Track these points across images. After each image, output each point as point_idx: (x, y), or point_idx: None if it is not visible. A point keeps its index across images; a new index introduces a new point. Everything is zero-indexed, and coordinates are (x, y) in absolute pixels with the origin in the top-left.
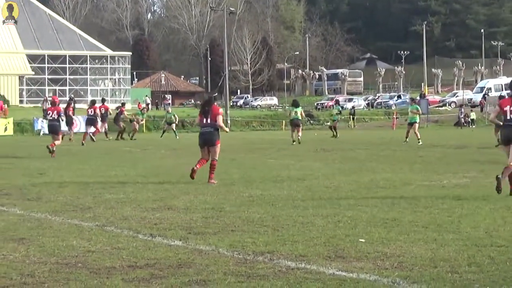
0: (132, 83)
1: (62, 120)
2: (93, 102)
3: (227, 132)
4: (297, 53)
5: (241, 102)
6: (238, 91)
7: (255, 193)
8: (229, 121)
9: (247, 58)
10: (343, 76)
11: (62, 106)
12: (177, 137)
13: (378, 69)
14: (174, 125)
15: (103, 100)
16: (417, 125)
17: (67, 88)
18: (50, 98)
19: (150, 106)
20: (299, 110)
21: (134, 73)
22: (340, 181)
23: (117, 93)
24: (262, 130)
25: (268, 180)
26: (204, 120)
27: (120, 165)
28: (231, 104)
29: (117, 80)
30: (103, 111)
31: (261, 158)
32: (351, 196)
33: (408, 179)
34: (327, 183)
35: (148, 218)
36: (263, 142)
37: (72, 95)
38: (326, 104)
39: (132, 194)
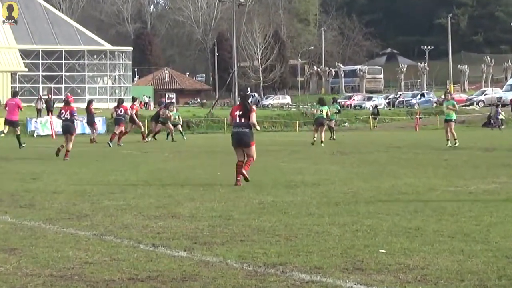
0: (133, 81)
1: (77, 120)
2: (121, 101)
3: (257, 130)
4: (312, 48)
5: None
6: (248, 89)
7: (266, 200)
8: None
9: (257, 54)
10: (361, 73)
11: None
12: (185, 138)
13: (400, 65)
14: (179, 126)
15: (121, 101)
16: (453, 124)
17: (63, 85)
18: (46, 97)
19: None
20: (325, 109)
21: (135, 69)
22: (358, 186)
23: (117, 91)
24: (274, 131)
25: (280, 186)
26: (238, 119)
27: (120, 169)
28: None
29: (117, 77)
30: (122, 112)
31: (273, 162)
32: (370, 203)
33: (433, 185)
34: (345, 188)
35: (150, 227)
36: (275, 144)
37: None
38: (343, 103)
39: (133, 200)
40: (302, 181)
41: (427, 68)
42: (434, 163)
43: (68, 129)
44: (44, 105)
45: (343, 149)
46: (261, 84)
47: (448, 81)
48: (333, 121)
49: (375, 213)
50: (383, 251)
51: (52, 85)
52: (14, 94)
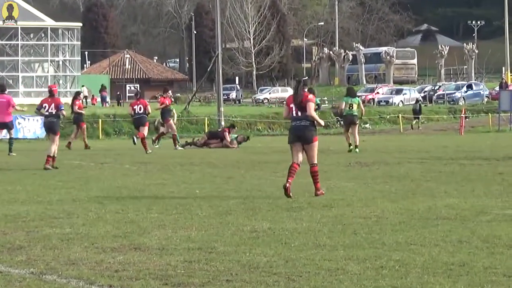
0: (82, 68)
1: (63, 116)
2: (139, 95)
3: (322, 126)
4: (322, 24)
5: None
6: (237, 78)
7: (261, 227)
8: (222, 123)
9: (249, 32)
10: (388, 57)
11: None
12: (159, 145)
13: (439, 47)
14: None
15: (138, 94)
16: None
17: None
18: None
19: (88, 100)
20: (357, 102)
21: (86, 53)
22: (384, 209)
23: (61, 81)
24: (271, 135)
25: (280, 208)
26: (294, 111)
27: (66, 186)
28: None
29: (61, 63)
30: (141, 110)
31: (270, 176)
32: (399, 230)
33: (483, 207)
34: (365, 211)
35: (106, 263)
36: (272, 153)
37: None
38: (363, 97)
39: (83, 227)
40: (309, 202)
41: (476, 51)
42: (485, 178)
43: (52, 126)
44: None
45: (363, 159)
46: (254, 72)
47: (504, 68)
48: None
49: (405, 244)
50: None
51: None
52: (2, 89)
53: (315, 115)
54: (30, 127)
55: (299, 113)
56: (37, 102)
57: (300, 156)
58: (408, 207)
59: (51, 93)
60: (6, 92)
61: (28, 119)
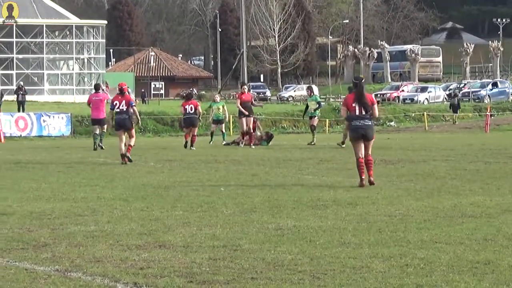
0: (108, 66)
1: (134, 112)
2: (191, 96)
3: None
4: (347, 21)
5: (268, 93)
6: (261, 76)
7: (286, 224)
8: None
9: (274, 29)
10: (413, 55)
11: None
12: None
13: (464, 45)
14: (223, 124)
15: (190, 96)
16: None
17: (13, 72)
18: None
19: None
20: None
21: (111, 51)
22: (408, 207)
23: (86, 79)
24: (296, 133)
25: (305, 206)
26: (358, 110)
27: (91, 184)
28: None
29: (86, 60)
30: (192, 110)
31: (294, 174)
32: (424, 228)
33: (508, 205)
34: (390, 209)
35: (131, 260)
36: (298, 150)
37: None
38: (388, 95)
39: (108, 225)
40: (333, 200)
41: (501, 49)
42: (510, 175)
43: (124, 123)
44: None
45: (388, 157)
46: (279, 70)
47: None
48: (315, 118)
49: (430, 242)
50: None
51: (0, 72)
52: (97, 87)
53: (377, 114)
54: (55, 125)
55: (363, 112)
56: (62, 100)
57: (362, 151)
58: (433, 205)
59: (121, 91)
60: (100, 90)
61: (53, 116)
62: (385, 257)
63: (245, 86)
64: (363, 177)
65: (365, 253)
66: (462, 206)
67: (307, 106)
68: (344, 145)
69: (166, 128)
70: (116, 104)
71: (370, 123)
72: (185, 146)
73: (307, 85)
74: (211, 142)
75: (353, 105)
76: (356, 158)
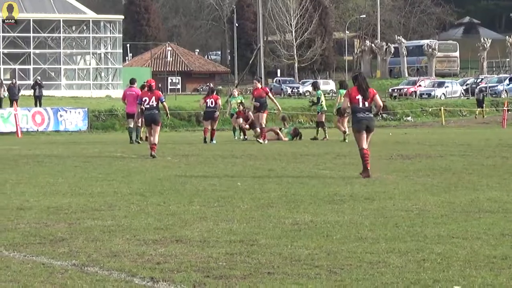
0: (124, 60)
1: (164, 107)
2: (213, 90)
3: (380, 114)
4: (364, 16)
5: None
6: (278, 71)
7: (303, 219)
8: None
9: (291, 24)
10: (430, 50)
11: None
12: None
13: (482, 40)
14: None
15: (211, 91)
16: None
17: (31, 67)
18: (8, 82)
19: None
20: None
21: (128, 45)
22: (425, 202)
23: (103, 74)
24: (313, 127)
25: (321, 201)
26: (361, 103)
27: (108, 179)
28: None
29: (103, 55)
30: (213, 104)
31: (311, 169)
32: (441, 223)
33: None
34: (407, 204)
35: (147, 255)
36: (315, 146)
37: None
38: (405, 90)
39: (125, 220)
40: (350, 195)
41: None
42: None
43: (154, 118)
44: (6, 93)
45: (405, 151)
46: (296, 65)
47: None
48: (319, 114)
49: (447, 237)
50: (458, 287)
51: (17, 66)
52: (132, 81)
53: (381, 104)
54: (72, 120)
55: (366, 104)
56: (79, 95)
57: (365, 142)
58: (450, 200)
59: (150, 88)
60: (135, 85)
61: (70, 111)
62: (402, 252)
63: (256, 81)
64: (368, 167)
65: (382, 248)
66: (479, 201)
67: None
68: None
69: (183, 123)
70: (145, 100)
71: (372, 115)
72: (205, 141)
73: (313, 81)
74: (235, 137)
75: (357, 97)
76: (360, 148)
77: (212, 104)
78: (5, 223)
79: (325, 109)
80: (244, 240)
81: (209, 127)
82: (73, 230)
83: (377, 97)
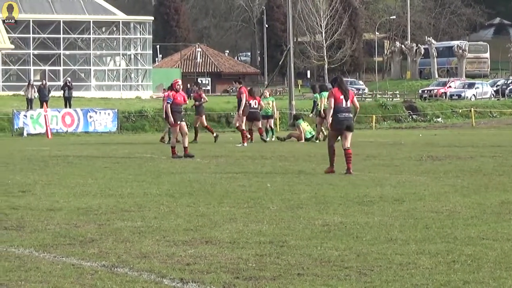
0: (154, 61)
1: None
2: (252, 92)
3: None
4: (394, 17)
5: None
6: (308, 72)
7: (332, 220)
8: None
9: (320, 25)
10: (460, 51)
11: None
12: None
13: None
14: (272, 120)
15: (251, 92)
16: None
17: (60, 68)
18: (38, 83)
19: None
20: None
21: (158, 47)
22: (455, 203)
23: (133, 75)
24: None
25: (351, 202)
26: (344, 103)
27: (138, 180)
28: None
29: (133, 56)
30: (256, 105)
31: (341, 170)
32: (472, 225)
33: None
34: (437, 206)
35: (177, 256)
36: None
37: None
38: (435, 91)
39: (155, 221)
40: (380, 196)
41: None
42: None
43: (182, 117)
44: (36, 94)
45: (435, 153)
46: (326, 66)
47: None
48: (314, 115)
49: (478, 239)
50: None
51: (47, 68)
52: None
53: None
54: (102, 121)
55: (348, 105)
56: (109, 96)
57: (335, 141)
58: (480, 202)
59: (175, 88)
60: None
61: (100, 112)
62: (432, 253)
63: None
64: (333, 164)
65: (412, 249)
66: (509, 202)
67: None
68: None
69: (213, 124)
70: (174, 99)
71: (351, 116)
72: (257, 139)
73: (321, 84)
74: (267, 139)
75: (340, 97)
76: (329, 145)
77: (255, 105)
78: (35, 224)
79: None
80: (274, 241)
81: (254, 128)
82: (103, 231)
83: (355, 99)
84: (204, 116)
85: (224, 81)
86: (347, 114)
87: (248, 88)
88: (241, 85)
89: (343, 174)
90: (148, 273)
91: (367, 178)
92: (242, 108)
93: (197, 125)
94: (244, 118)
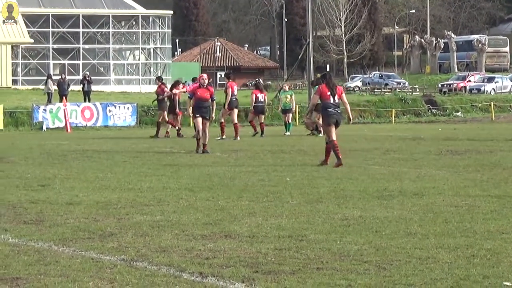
0: (173, 56)
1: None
2: (258, 86)
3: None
4: (413, 11)
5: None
6: (327, 66)
7: (352, 215)
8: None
9: (340, 19)
10: (480, 45)
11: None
12: (288, 133)
13: None
14: (291, 114)
15: (259, 85)
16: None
17: (80, 62)
18: (58, 77)
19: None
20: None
21: (177, 41)
22: (475, 197)
23: (152, 69)
24: (362, 123)
25: (370, 196)
26: (332, 99)
27: (157, 174)
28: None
29: (152, 51)
30: (262, 98)
31: (361, 164)
32: (491, 219)
33: None
34: (457, 200)
35: (196, 250)
36: (364, 140)
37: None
38: (455, 85)
39: (174, 215)
40: (399, 190)
41: None
42: None
43: (206, 112)
44: (56, 88)
45: (455, 147)
46: (345, 60)
47: None
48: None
49: (497, 233)
50: (508, 283)
51: (66, 62)
52: (194, 80)
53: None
54: (121, 115)
55: (336, 101)
56: (128, 90)
57: (334, 134)
58: (500, 196)
59: (200, 82)
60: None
61: (119, 106)
62: (451, 247)
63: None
64: (340, 156)
65: (431, 243)
66: None
67: None
68: (320, 134)
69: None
70: (197, 93)
71: (340, 111)
72: (257, 135)
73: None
74: (288, 133)
75: (328, 94)
76: (330, 140)
77: (262, 98)
78: (55, 218)
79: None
80: (293, 236)
81: (260, 121)
82: (122, 225)
83: (344, 95)
84: (166, 112)
85: (243, 75)
86: (336, 109)
87: (256, 81)
88: (229, 80)
89: (318, 165)
90: (167, 267)
91: (386, 172)
92: (227, 102)
93: (160, 120)
94: (231, 111)
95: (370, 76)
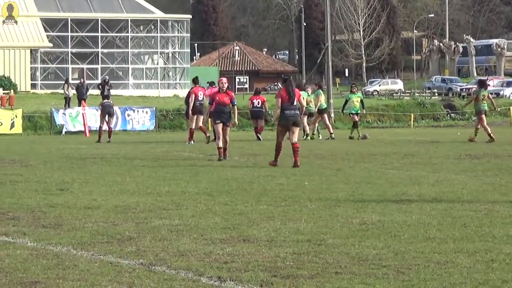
0: (192, 60)
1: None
2: (258, 91)
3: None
4: (432, 15)
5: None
6: (346, 70)
7: (370, 219)
8: (332, 115)
9: (359, 24)
10: (499, 49)
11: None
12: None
13: None
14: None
15: (258, 91)
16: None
17: (98, 66)
18: (76, 81)
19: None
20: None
21: (196, 45)
22: (494, 201)
23: (170, 73)
24: (381, 127)
25: (389, 201)
26: (290, 101)
27: (175, 178)
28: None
29: (171, 55)
30: (259, 104)
31: (379, 168)
32: (510, 223)
33: None
34: (476, 205)
35: (215, 254)
36: (382, 145)
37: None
38: (473, 89)
39: (192, 219)
40: (418, 195)
41: None
42: None
43: (227, 118)
44: (75, 92)
45: (474, 151)
46: (364, 64)
47: None
48: (356, 115)
49: None
50: None
51: (85, 66)
52: (211, 84)
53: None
54: (139, 119)
55: (294, 103)
56: (147, 94)
57: (284, 136)
58: None
59: (219, 87)
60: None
61: (138, 110)
62: (470, 252)
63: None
64: (278, 158)
65: (450, 248)
66: None
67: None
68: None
69: (250, 122)
70: (217, 98)
71: (298, 113)
72: (259, 139)
73: (317, 83)
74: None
75: (287, 97)
76: (278, 141)
77: (258, 104)
78: (73, 222)
79: (324, 106)
80: (311, 240)
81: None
82: (141, 229)
83: (301, 98)
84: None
85: (262, 80)
86: (293, 111)
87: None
88: (195, 85)
89: (291, 167)
90: (186, 271)
91: (405, 176)
92: (191, 108)
93: (201, 124)
94: (196, 117)
95: (431, 80)
